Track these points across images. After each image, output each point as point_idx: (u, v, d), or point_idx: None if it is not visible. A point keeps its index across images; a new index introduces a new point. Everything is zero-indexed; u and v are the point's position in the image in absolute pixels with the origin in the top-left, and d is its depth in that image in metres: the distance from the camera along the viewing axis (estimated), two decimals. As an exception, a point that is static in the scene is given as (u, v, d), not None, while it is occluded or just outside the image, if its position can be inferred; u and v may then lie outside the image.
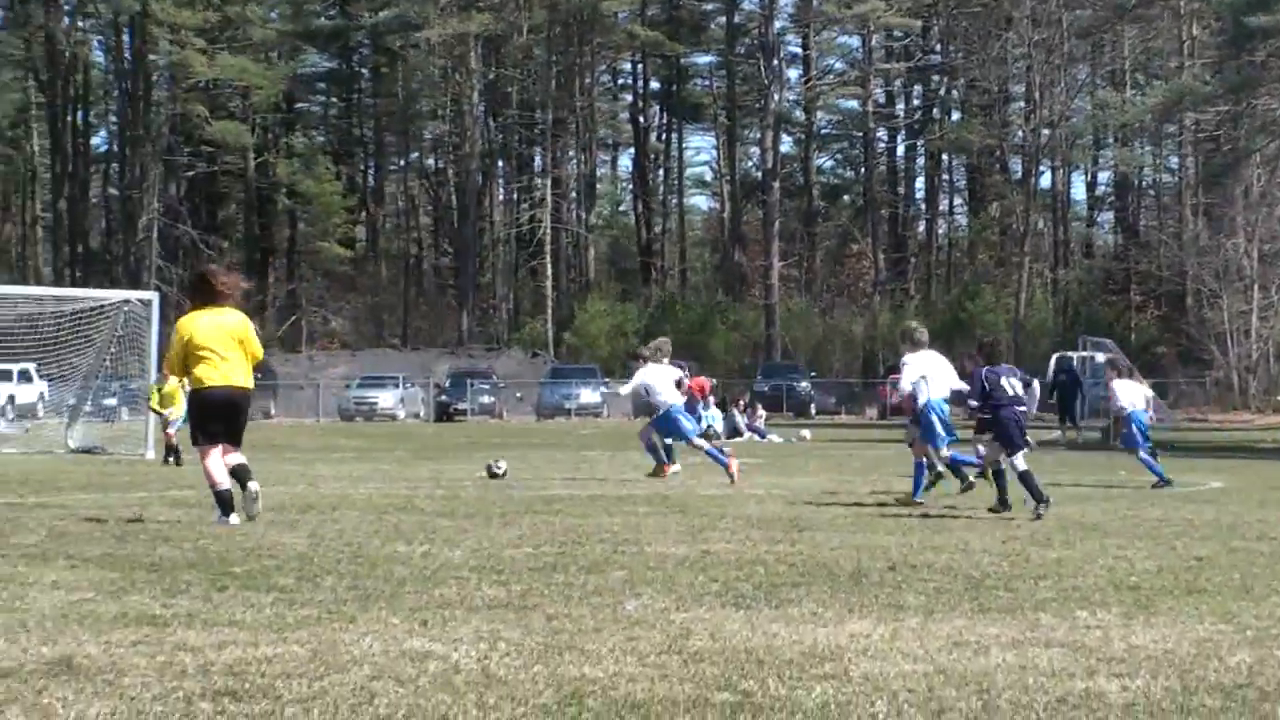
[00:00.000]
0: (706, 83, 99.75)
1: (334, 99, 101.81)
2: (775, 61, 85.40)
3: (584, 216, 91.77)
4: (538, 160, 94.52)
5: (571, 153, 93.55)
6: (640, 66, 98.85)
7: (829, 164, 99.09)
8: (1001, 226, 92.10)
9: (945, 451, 17.67)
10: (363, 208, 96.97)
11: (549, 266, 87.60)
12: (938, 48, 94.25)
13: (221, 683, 6.59)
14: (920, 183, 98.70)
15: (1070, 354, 49.74)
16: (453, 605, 8.88)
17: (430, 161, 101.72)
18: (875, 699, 6.44)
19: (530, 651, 7.40)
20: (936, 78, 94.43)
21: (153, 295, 33.40)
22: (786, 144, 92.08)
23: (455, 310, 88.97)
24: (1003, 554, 11.91)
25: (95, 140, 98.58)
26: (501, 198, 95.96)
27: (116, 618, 8.28)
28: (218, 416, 13.84)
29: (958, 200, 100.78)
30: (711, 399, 40.97)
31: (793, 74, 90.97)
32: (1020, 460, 15.96)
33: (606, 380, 64.27)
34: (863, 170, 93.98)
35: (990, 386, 16.37)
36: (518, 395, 67.83)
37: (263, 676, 6.72)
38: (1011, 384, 16.51)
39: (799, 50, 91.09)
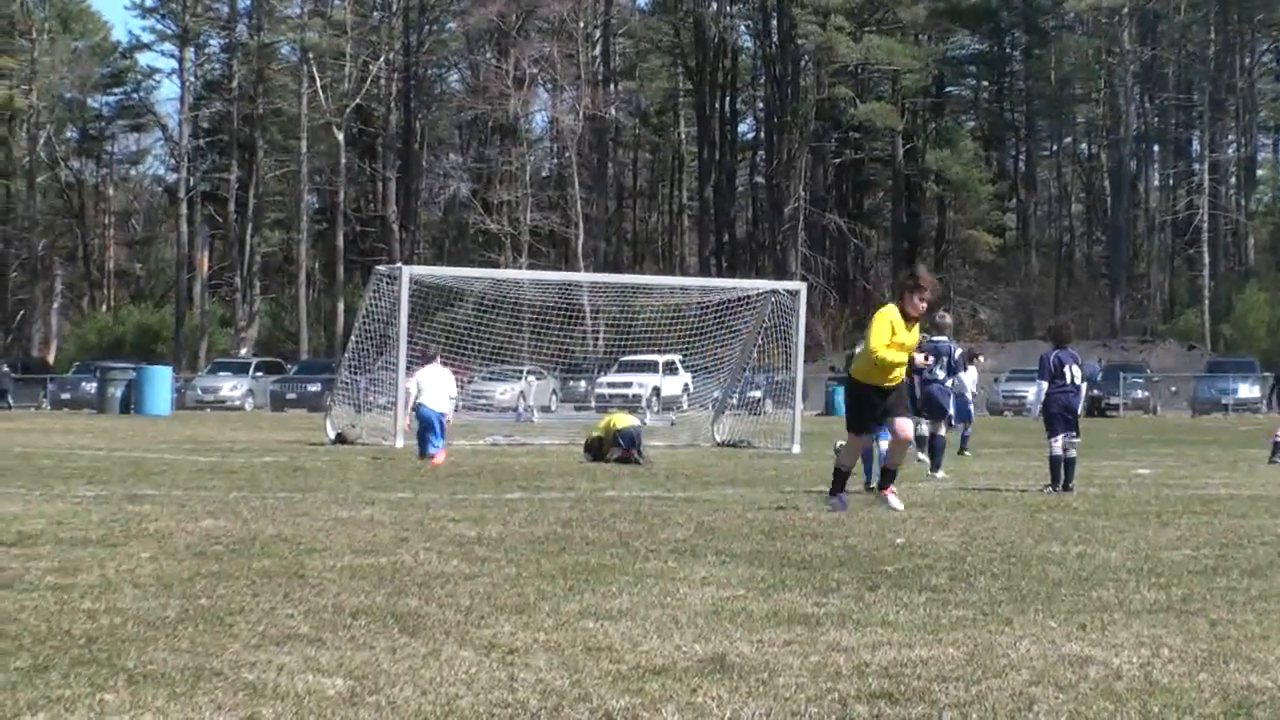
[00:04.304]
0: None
1: (984, 82, 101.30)
2: None
3: (1243, 202, 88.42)
4: (1195, 143, 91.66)
5: (1231, 135, 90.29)
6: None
7: None
8: None
9: None
10: (1013, 195, 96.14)
11: (1206, 255, 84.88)
12: None
13: (876, 685, 6.58)
14: None
15: None
16: (1111, 608, 8.71)
17: (1083, 146, 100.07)
18: None
19: (1194, 659, 7.22)
20: None
21: (800, 286, 33.36)
22: None
23: (1107, 301, 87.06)
24: None
25: (741, 127, 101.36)
26: (1156, 183, 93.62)
27: (768, 615, 8.37)
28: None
29: None
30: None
31: None
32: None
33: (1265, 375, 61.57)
34: None
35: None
36: (1172, 389, 65.83)
37: (918, 679, 6.69)
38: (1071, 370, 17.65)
39: None
